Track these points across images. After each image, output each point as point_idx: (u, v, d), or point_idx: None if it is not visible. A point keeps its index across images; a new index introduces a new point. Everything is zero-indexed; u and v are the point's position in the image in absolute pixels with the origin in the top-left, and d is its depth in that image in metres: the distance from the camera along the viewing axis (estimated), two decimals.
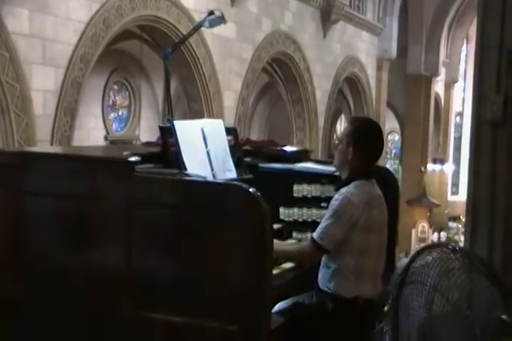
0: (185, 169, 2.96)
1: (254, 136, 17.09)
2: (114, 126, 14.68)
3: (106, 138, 14.19)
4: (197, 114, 12.00)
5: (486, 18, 3.86)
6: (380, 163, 20.29)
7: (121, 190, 2.52)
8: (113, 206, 2.51)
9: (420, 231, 20.04)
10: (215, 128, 3.33)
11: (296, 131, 14.74)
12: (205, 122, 3.30)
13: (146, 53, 13.59)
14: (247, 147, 3.71)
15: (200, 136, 3.19)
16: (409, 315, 2.38)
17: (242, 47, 12.89)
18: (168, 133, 2.97)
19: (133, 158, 2.54)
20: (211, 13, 4.14)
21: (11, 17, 9.68)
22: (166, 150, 2.95)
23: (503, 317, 2.01)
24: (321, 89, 15.57)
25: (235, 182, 2.59)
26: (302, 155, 3.95)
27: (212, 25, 4.19)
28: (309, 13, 15.10)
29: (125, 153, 2.69)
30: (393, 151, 23.79)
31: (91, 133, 13.37)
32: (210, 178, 3.15)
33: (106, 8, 10.61)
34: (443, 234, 19.82)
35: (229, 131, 3.61)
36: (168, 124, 2.93)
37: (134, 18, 11.04)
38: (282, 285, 2.98)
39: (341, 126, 21.37)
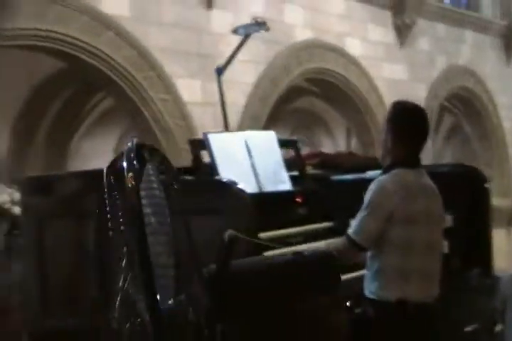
0: None
1: None
2: None
3: None
4: None
5: None
6: None
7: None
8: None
9: None
10: (263, 140, 3.30)
11: (485, 167, 13.87)
12: (250, 134, 3.29)
13: (323, 108, 13.86)
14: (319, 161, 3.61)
15: (243, 148, 3.17)
16: None
17: (415, 87, 12.62)
18: (199, 146, 3.02)
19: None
20: (255, 22, 4.14)
21: (185, 88, 10.58)
22: (198, 163, 2.98)
23: None
24: (509, 119, 14.60)
25: (225, 180, 2.53)
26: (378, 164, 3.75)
27: (248, 31, 4.15)
28: (488, 43, 14.43)
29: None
30: None
31: None
32: (254, 190, 3.11)
33: (271, 67, 11.13)
34: None
35: (287, 143, 3.55)
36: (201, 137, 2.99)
37: (301, 72, 11.40)
38: None
39: None
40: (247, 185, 3.07)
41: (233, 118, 10.80)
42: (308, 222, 3.27)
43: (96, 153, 14.03)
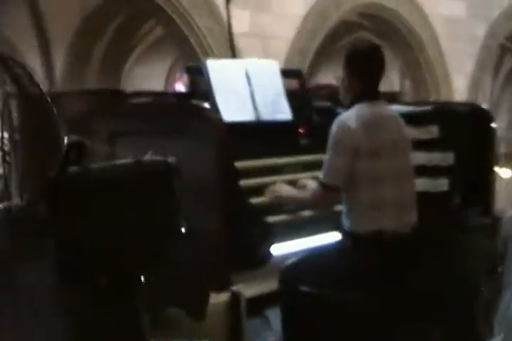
0: (217, 108, 2.99)
1: (503, 123, 15.78)
2: None
3: None
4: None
5: None
6: None
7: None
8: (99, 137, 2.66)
9: None
10: (265, 69, 3.28)
11: None
12: (251, 62, 3.27)
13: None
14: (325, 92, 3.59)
15: (243, 76, 3.16)
16: None
17: (474, 25, 12.15)
18: (196, 73, 3.03)
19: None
20: None
21: (233, 18, 10.47)
22: (194, 90, 3.01)
23: None
24: None
25: (195, 103, 2.54)
26: (391, 98, 3.71)
27: None
28: None
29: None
30: None
31: None
32: (251, 118, 3.14)
33: (321, 0, 10.89)
34: None
35: (291, 73, 3.53)
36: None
37: (352, 6, 11.12)
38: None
39: None
40: (244, 113, 3.10)
41: (280, 52, 10.68)
42: (307, 153, 3.28)
43: (148, 78, 14.22)
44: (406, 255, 2.75)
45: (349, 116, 2.74)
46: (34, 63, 13.19)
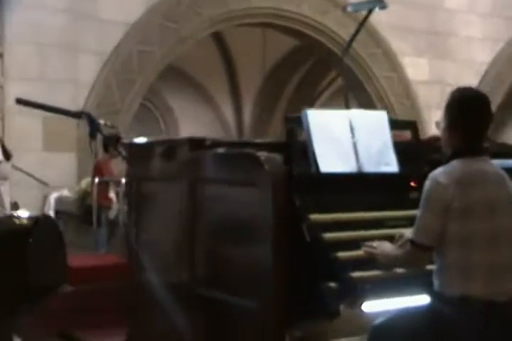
0: (316, 159, 2.93)
1: None
2: None
3: None
4: None
5: None
6: None
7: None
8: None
9: None
10: (371, 121, 3.16)
11: None
12: (356, 114, 3.16)
13: None
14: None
15: (346, 127, 3.06)
16: None
17: None
18: (294, 123, 2.99)
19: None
20: None
21: (411, 66, 10.36)
22: (290, 140, 2.97)
23: None
24: None
25: (258, 153, 2.52)
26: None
27: (357, 9, 3.94)
28: None
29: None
30: None
31: None
32: (352, 170, 3.04)
33: (510, 45, 10.45)
34: None
35: (404, 124, 3.35)
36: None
37: None
38: None
39: None
40: (345, 164, 3.02)
41: None
42: (415, 207, 3.12)
43: None
44: (498, 326, 2.46)
45: (441, 173, 2.54)
46: (226, 112, 14.10)
